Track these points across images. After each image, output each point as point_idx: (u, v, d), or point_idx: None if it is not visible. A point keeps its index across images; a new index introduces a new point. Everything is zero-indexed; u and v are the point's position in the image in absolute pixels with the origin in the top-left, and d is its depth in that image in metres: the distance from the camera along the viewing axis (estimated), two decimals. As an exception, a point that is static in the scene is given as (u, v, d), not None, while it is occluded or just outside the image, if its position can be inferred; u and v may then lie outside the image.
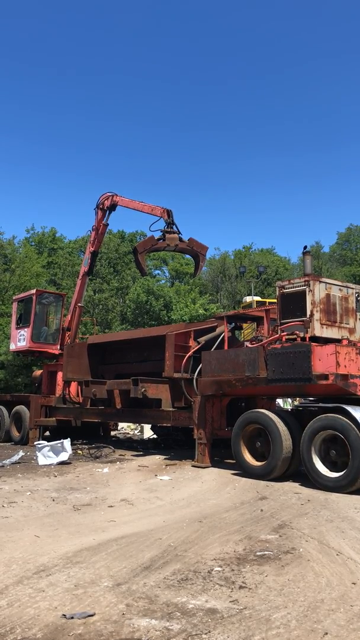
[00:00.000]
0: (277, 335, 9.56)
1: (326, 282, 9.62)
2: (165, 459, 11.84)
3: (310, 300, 9.25)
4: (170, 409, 12.06)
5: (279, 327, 9.63)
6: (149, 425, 15.96)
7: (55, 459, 11.63)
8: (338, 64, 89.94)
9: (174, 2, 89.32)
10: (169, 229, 13.91)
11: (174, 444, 14.08)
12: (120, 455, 12.87)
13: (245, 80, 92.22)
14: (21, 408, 15.97)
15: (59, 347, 16.56)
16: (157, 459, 11.93)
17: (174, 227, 13.99)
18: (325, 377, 8.59)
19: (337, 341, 9.27)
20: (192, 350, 11.77)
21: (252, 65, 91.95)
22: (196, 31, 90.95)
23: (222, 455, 11.29)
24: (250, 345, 10.19)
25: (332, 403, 8.71)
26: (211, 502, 7.77)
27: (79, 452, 13.32)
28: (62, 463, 11.55)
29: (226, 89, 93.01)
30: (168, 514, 7.07)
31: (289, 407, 14.95)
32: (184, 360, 11.64)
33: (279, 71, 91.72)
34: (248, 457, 9.69)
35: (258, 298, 31.83)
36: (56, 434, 15.35)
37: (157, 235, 13.93)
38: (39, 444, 12.22)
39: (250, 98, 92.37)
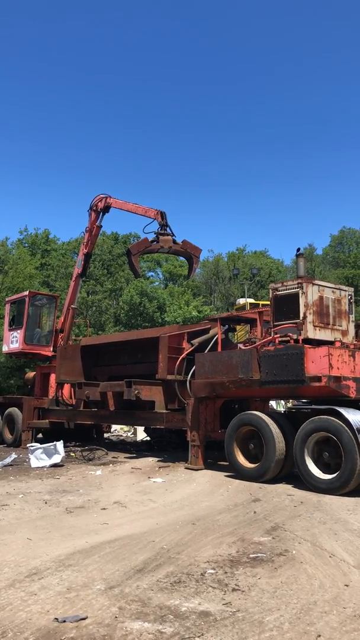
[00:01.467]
0: (270, 337, 9.57)
1: (319, 285, 9.65)
2: (158, 461, 11.82)
3: (303, 302, 9.27)
4: (164, 411, 12.04)
5: (272, 329, 9.64)
6: (143, 428, 15.93)
7: (47, 462, 11.58)
8: (336, 64, 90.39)
9: (171, 3, 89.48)
10: (163, 231, 13.90)
11: (167, 446, 14.05)
12: (113, 457, 12.84)
13: (240, 82, 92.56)
14: (14, 410, 15.89)
15: (52, 348, 16.50)
16: (150, 461, 11.91)
17: (168, 229, 13.98)
18: (318, 379, 8.61)
19: (330, 343, 9.29)
20: (186, 352, 11.75)
21: (250, 68, 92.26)
22: (192, 31, 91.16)
23: (215, 457, 11.28)
24: (243, 347, 10.20)
25: (325, 405, 8.73)
26: (204, 504, 7.76)
27: (72, 454, 13.27)
28: (54, 465, 11.50)
29: (221, 92, 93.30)
30: (161, 516, 7.05)
31: (282, 409, 14.99)
32: (178, 362, 11.63)
33: (276, 73, 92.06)
34: (241, 459, 9.68)
35: (251, 300, 31.85)
36: (49, 436, 15.29)
37: (151, 237, 13.92)
38: (32, 446, 12.17)
39: (245, 100, 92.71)
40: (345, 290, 10.11)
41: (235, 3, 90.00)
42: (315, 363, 8.76)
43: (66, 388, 15.09)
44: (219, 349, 11.14)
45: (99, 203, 15.50)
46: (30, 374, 18.02)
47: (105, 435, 18.23)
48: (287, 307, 9.44)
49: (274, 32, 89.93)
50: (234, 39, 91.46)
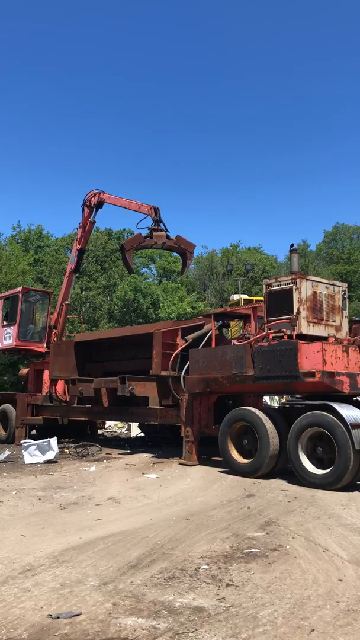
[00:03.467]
0: (264, 333, 9.58)
1: (313, 280, 9.66)
2: (152, 457, 11.82)
3: (297, 298, 9.27)
4: (158, 407, 12.03)
5: (266, 325, 9.64)
6: (137, 424, 15.93)
7: (41, 458, 11.56)
8: (332, 61, 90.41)
9: (170, 2, 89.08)
10: (156, 227, 13.87)
11: (161, 442, 14.05)
12: (107, 453, 12.83)
13: (235, 81, 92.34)
14: (7, 406, 15.85)
15: (45, 345, 16.46)
16: (144, 457, 11.91)
17: (161, 224, 13.95)
18: (312, 374, 8.62)
19: (323, 339, 9.30)
20: (180, 348, 11.74)
21: (246, 67, 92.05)
22: (188, 25, 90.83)
23: (209, 453, 11.30)
24: (237, 343, 10.20)
25: (318, 400, 8.75)
26: (198, 500, 7.76)
27: (66, 450, 13.25)
28: (48, 462, 11.48)
29: (215, 89, 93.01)
30: (155, 512, 7.05)
31: (276, 405, 15.01)
32: (172, 358, 11.61)
33: (272, 71, 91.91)
34: (235, 454, 9.70)
35: (245, 296, 31.83)
36: (43, 432, 15.26)
37: (145, 232, 13.89)
38: (26, 442, 12.14)
39: (239, 98, 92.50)
40: (339, 286, 10.13)
41: (234, 2, 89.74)
42: (309, 358, 8.78)
43: (60, 384, 15.05)
44: (213, 344, 11.13)
45: (93, 198, 15.46)
46: (24, 371, 17.98)
47: (100, 431, 18.24)
48: (280, 302, 9.45)
49: (270, 31, 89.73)
50: (230, 36, 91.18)
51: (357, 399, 9.19)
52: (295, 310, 9.24)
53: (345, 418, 8.09)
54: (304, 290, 9.34)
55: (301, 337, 9.17)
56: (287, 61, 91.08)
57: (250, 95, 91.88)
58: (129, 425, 18.58)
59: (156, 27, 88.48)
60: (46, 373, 15.51)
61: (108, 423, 19.70)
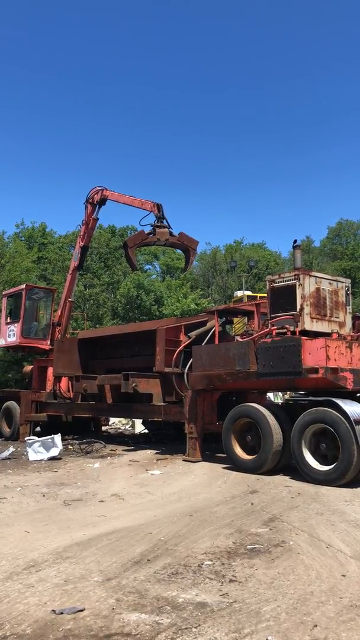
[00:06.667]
0: (268, 330, 9.55)
1: (316, 276, 9.62)
2: (156, 453, 11.83)
3: (300, 294, 9.24)
4: (161, 404, 12.04)
5: (269, 321, 9.62)
6: (140, 420, 15.96)
7: (45, 455, 11.59)
8: (334, 61, 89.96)
9: (170, 3, 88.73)
10: (159, 223, 13.87)
11: (165, 439, 14.06)
12: (111, 450, 12.85)
13: (239, 79, 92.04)
14: (11, 404, 15.91)
15: (49, 342, 16.49)
16: (148, 453, 11.92)
17: (164, 221, 13.95)
18: (316, 370, 8.60)
19: (327, 335, 9.27)
20: (183, 345, 11.73)
21: (249, 66, 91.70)
22: (189, 31, 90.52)
23: (213, 449, 11.30)
24: (240, 340, 10.18)
25: (322, 397, 8.73)
26: (202, 496, 7.77)
27: (70, 447, 13.28)
28: (52, 458, 11.51)
29: (219, 87, 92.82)
30: (159, 508, 7.06)
31: (279, 401, 15.01)
32: (175, 355, 11.61)
33: (275, 70, 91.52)
34: (239, 451, 9.70)
35: (249, 292, 31.84)
36: (47, 429, 15.30)
37: (148, 229, 13.88)
38: (30, 439, 12.19)
39: (243, 94, 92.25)
40: (342, 282, 10.09)
41: (236, 4, 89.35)
42: (312, 355, 8.76)
43: (64, 381, 15.09)
44: (216, 341, 11.12)
45: (95, 195, 15.45)
46: (28, 368, 18.02)
47: (103, 428, 18.26)
48: (284, 299, 9.42)
49: (271, 32, 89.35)
50: (231, 37, 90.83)
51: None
52: (298, 307, 9.22)
53: (349, 414, 8.08)
54: (307, 286, 9.31)
55: (304, 333, 9.15)
56: (289, 61, 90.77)
57: (254, 96, 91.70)
58: (133, 422, 18.61)
59: (157, 27, 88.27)
60: (50, 370, 15.54)
61: (112, 420, 19.73)
